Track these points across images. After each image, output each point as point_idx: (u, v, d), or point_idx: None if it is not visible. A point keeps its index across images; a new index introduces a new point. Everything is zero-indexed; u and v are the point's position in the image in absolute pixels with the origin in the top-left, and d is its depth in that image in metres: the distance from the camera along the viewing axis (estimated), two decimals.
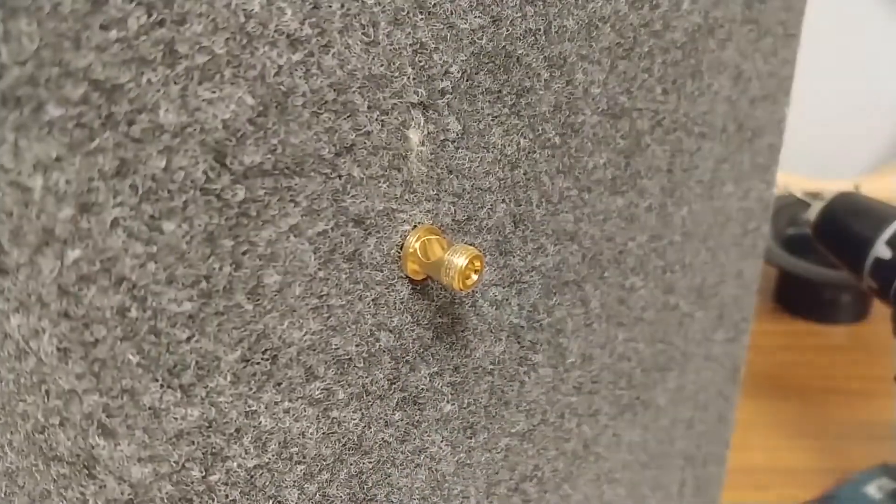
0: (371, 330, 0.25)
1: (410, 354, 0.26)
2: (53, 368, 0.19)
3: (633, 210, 0.34)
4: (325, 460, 0.25)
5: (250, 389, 0.22)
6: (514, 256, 0.29)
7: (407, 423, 0.27)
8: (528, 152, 0.28)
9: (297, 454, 0.24)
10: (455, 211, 0.26)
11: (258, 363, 0.22)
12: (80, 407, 0.19)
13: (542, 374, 0.32)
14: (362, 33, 0.21)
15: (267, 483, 0.23)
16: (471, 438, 0.30)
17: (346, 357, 0.24)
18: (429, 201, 0.25)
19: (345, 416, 0.25)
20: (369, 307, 0.24)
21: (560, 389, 0.34)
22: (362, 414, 0.25)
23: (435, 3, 0.23)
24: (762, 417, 0.74)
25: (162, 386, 0.20)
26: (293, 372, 0.23)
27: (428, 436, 0.28)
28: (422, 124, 0.24)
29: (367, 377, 0.25)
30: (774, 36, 0.40)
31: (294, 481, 0.24)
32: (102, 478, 0.20)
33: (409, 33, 0.23)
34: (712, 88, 0.36)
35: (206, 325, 0.20)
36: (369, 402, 0.26)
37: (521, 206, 0.28)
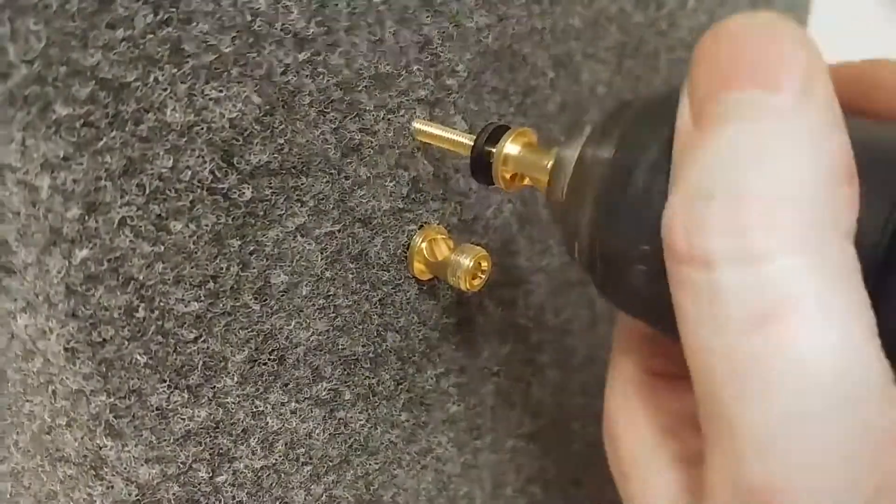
0: (378, 330, 0.25)
1: (417, 355, 0.26)
2: (61, 369, 0.19)
3: None
4: (331, 461, 0.25)
5: (257, 390, 0.22)
6: (520, 257, 0.29)
7: (413, 424, 0.27)
8: None
9: (303, 455, 0.24)
10: (462, 210, 0.26)
11: (265, 364, 0.22)
12: (87, 407, 0.19)
13: (548, 376, 0.32)
14: (369, 32, 0.21)
15: (274, 484, 0.23)
16: (477, 440, 0.30)
17: (353, 357, 0.24)
18: (435, 201, 0.25)
19: (351, 417, 0.25)
20: (376, 307, 0.24)
21: (566, 390, 0.34)
22: (369, 415, 0.25)
23: (441, 2, 0.23)
24: None
25: (169, 387, 0.20)
26: (300, 372, 0.23)
27: (434, 437, 0.28)
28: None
29: (373, 378, 0.25)
30: None
31: (301, 482, 0.24)
32: (110, 479, 0.20)
33: (416, 31, 0.22)
34: None
35: (213, 325, 0.20)
36: (376, 402, 0.25)
37: (527, 205, 0.28)
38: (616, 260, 0.18)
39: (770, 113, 0.14)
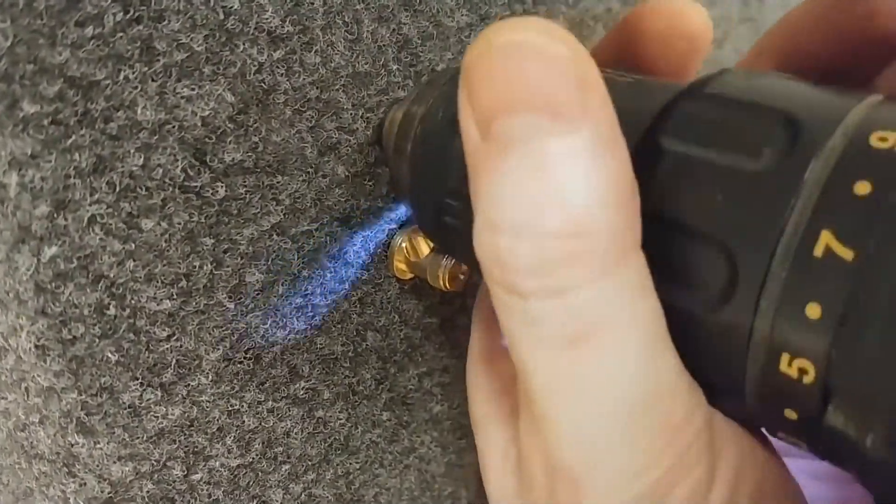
0: (357, 329, 0.25)
1: (398, 354, 0.26)
2: (32, 366, 0.19)
3: None
4: (310, 460, 0.25)
5: (233, 388, 0.22)
6: None
7: (395, 424, 0.27)
8: None
9: (281, 454, 0.24)
10: None
11: (241, 362, 0.22)
12: (58, 405, 0.19)
13: None
14: (346, 31, 0.21)
15: (251, 482, 0.23)
16: (462, 439, 0.30)
17: (332, 356, 0.24)
18: None
19: (331, 416, 0.25)
20: (355, 307, 0.24)
21: None
22: (349, 414, 0.25)
23: (421, 1, 0.23)
24: None
25: (142, 384, 0.20)
26: (277, 371, 0.23)
27: (417, 436, 0.28)
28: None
29: (353, 377, 0.25)
30: None
31: (279, 481, 0.24)
32: (82, 476, 0.20)
33: (394, 30, 0.22)
34: None
35: (186, 323, 0.20)
36: (356, 401, 0.25)
37: None
38: (428, 208, 0.20)
39: (551, 139, 0.14)
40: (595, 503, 0.16)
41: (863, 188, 0.13)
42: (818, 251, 0.13)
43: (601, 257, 0.14)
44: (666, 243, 0.15)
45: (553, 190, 0.14)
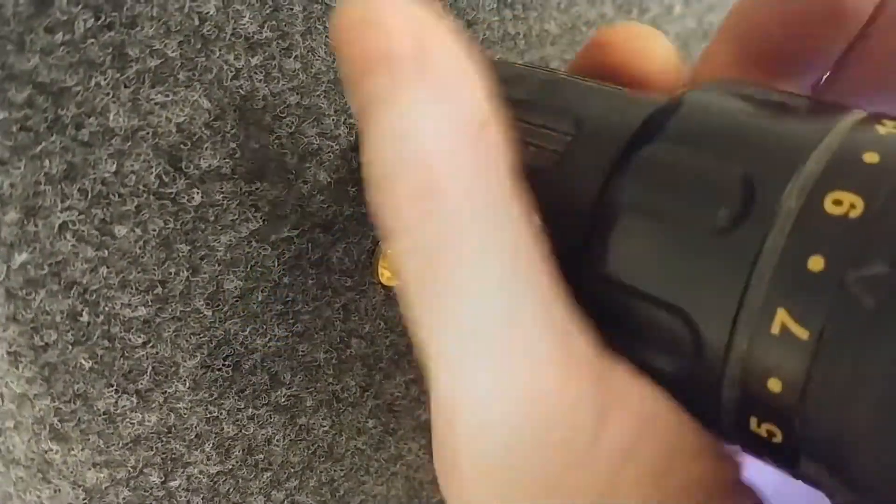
0: (341, 336, 0.24)
1: (384, 361, 0.26)
2: (5, 372, 0.19)
3: None
4: (293, 467, 0.24)
5: (211, 396, 0.22)
6: None
7: (382, 431, 0.27)
8: None
9: (262, 461, 0.23)
10: None
11: (219, 369, 0.22)
12: (31, 411, 0.19)
13: None
14: (327, 36, 0.21)
15: (231, 489, 0.23)
16: None
17: (315, 364, 0.24)
18: None
19: (314, 423, 0.25)
20: (339, 314, 0.24)
21: None
22: (333, 421, 0.25)
23: None
24: None
25: (117, 391, 0.20)
26: (257, 378, 0.22)
27: (405, 444, 0.28)
28: None
29: (337, 384, 0.25)
30: None
31: (260, 488, 0.24)
32: (57, 482, 0.20)
33: None
34: None
35: (162, 330, 0.20)
36: (340, 409, 0.25)
37: None
38: None
39: (395, 93, 0.14)
40: (467, 441, 0.15)
41: (816, 264, 0.13)
42: (775, 329, 0.14)
43: (463, 190, 0.14)
44: (627, 304, 0.16)
45: (402, 138, 0.14)
